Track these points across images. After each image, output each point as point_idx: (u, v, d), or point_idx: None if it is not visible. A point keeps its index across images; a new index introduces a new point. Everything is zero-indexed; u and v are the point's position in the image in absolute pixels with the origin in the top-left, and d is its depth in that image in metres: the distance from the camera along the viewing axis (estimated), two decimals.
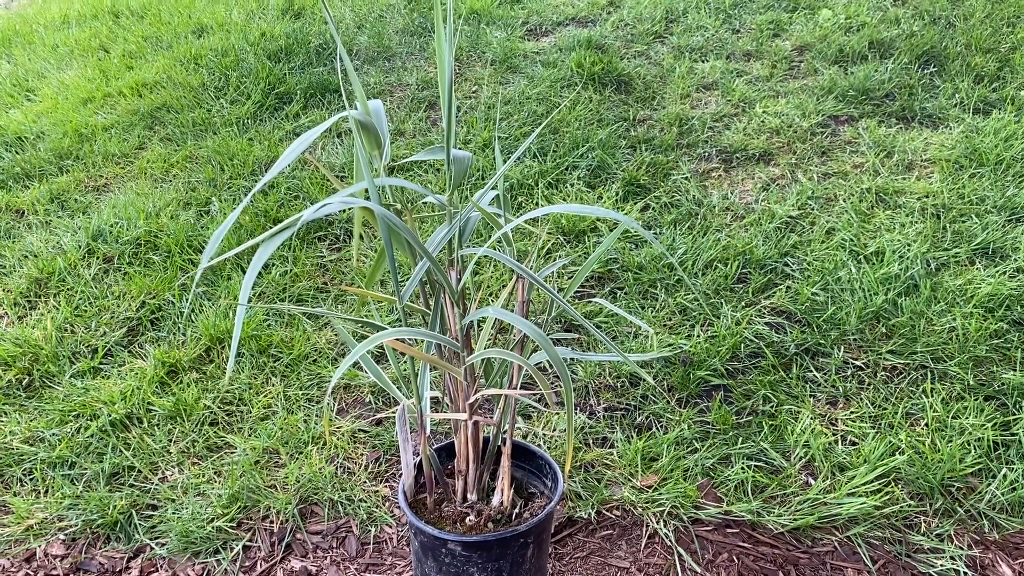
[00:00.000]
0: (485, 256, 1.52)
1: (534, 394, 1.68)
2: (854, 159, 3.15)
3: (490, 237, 2.74)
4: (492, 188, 1.48)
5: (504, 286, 2.52)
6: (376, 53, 4.04)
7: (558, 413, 2.04)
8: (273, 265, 2.57)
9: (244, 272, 2.56)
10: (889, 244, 2.65)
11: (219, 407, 2.09)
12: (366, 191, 1.33)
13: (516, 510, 1.54)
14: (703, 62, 3.84)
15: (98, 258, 2.62)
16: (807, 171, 3.09)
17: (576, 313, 1.28)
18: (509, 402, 1.47)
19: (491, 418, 1.55)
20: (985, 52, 3.80)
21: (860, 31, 4.04)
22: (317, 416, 2.06)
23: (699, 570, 1.74)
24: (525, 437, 2.00)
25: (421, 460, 1.52)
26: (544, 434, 2.01)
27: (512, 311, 1.46)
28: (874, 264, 2.57)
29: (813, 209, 2.86)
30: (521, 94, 3.56)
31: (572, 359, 2.00)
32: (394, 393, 1.49)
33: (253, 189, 1.27)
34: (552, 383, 2.08)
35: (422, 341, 1.41)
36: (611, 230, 2.77)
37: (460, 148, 3.22)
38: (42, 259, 2.63)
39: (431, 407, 1.51)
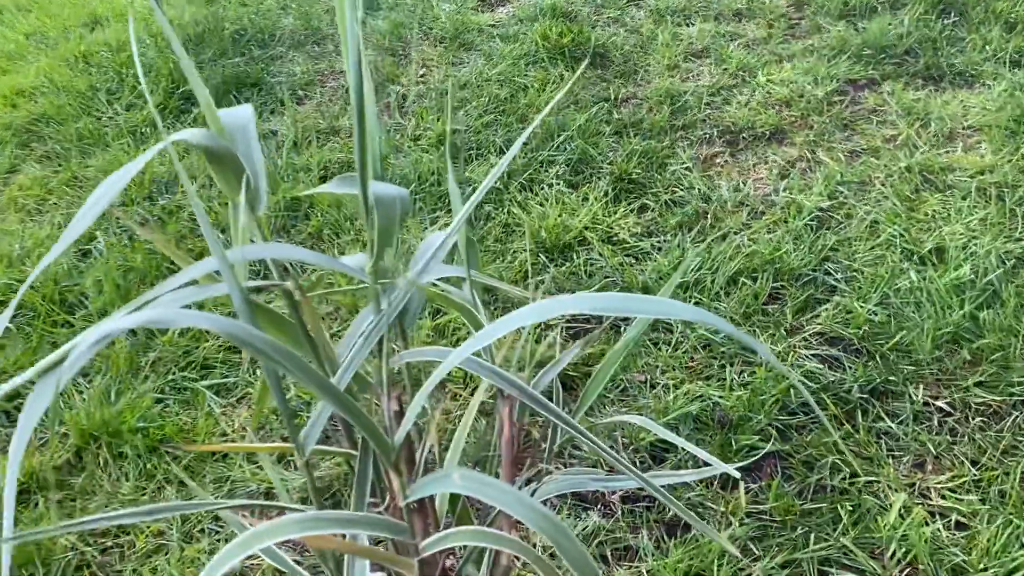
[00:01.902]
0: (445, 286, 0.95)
1: None
2: (884, 131, 2.61)
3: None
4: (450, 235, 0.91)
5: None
6: (304, 36, 3.42)
7: None
8: None
9: (134, 333, 1.97)
10: (951, 238, 2.12)
11: (88, 542, 1.50)
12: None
13: None
14: (688, 26, 3.27)
15: None
16: (830, 149, 2.54)
17: (615, 457, 0.72)
18: None
19: None
20: None
21: None
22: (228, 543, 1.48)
23: None
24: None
25: None
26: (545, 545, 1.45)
27: (489, 440, 0.90)
28: (938, 267, 2.04)
29: (847, 197, 2.32)
30: (479, 75, 2.97)
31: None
32: None
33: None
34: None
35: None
36: (601, 241, 2.21)
37: (408, 156, 2.63)
38: None
39: None
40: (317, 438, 0.82)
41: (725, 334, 1.89)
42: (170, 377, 1.85)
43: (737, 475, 0.84)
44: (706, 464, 0.90)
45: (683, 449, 1.64)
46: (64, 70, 3.16)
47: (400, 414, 0.79)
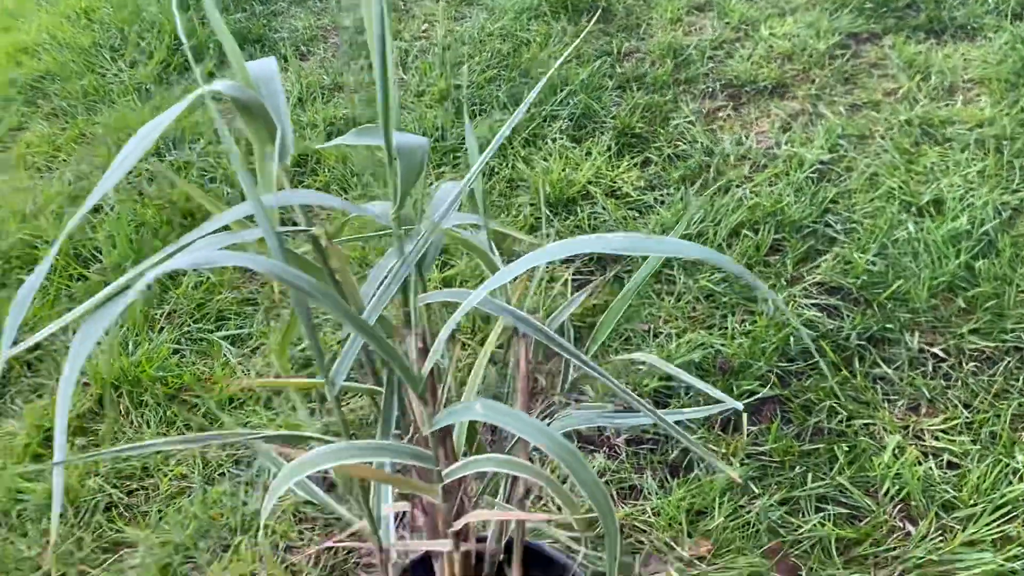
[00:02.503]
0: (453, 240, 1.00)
1: (552, 520, 1.19)
2: (884, 84, 2.63)
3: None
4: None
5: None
6: None
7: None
8: (184, 273, 2.01)
9: (148, 286, 2.01)
10: (948, 190, 2.15)
11: (114, 484, 1.56)
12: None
13: None
14: None
15: None
16: (831, 103, 2.56)
17: (628, 393, 0.77)
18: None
19: (484, 537, 1.04)
20: None
21: None
22: (248, 486, 1.54)
23: None
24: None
25: None
26: (553, 511, 1.51)
27: (507, 380, 0.94)
28: (935, 218, 2.08)
29: (847, 150, 2.35)
30: (481, 30, 2.97)
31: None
32: (338, 511, 0.97)
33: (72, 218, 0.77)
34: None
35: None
36: (604, 195, 2.25)
37: (411, 112, 2.65)
38: None
39: (397, 528, 0.99)
40: (345, 375, 0.86)
41: (727, 284, 1.94)
42: (185, 328, 1.90)
43: (740, 407, 0.88)
44: (714, 401, 0.95)
45: (685, 395, 1.70)
46: (66, 27, 3.15)
47: (424, 351, 0.84)
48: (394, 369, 0.82)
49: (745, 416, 1.65)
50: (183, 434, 1.66)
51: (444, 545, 0.93)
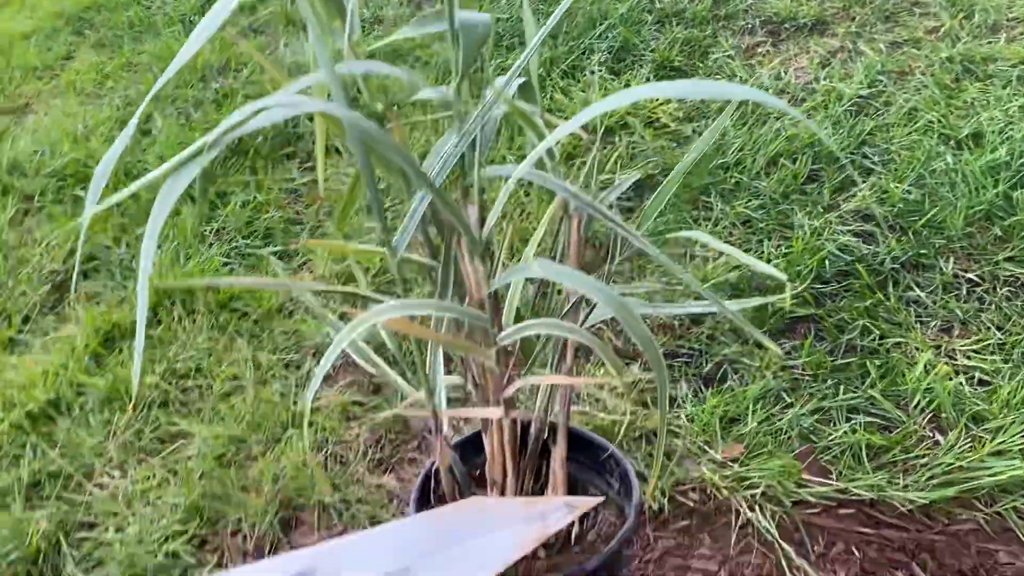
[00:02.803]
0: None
1: (598, 383, 1.24)
2: (926, 23, 2.61)
3: (508, 148, 2.24)
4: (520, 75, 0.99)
5: (523, 210, 2.04)
6: None
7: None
8: (232, 193, 2.07)
9: (192, 200, 2.07)
10: (988, 124, 2.15)
11: (170, 382, 1.64)
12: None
13: (575, 528, 1.11)
14: None
15: (15, 198, 2.12)
16: (871, 40, 2.55)
17: (673, 264, 0.81)
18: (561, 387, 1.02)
19: (531, 408, 1.10)
20: None
21: None
22: (297, 387, 1.61)
23: (809, 569, 1.33)
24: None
25: (438, 468, 1.08)
26: (591, 393, 1.56)
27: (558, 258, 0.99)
28: (974, 150, 2.08)
29: (886, 86, 2.35)
30: None
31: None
32: (395, 383, 1.03)
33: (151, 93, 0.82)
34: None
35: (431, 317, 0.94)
36: (645, 125, 2.27)
37: None
38: None
39: (448, 397, 1.05)
40: (406, 244, 0.91)
41: (764, 210, 1.96)
42: (234, 244, 1.96)
43: (783, 277, 0.92)
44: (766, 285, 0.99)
45: (718, 314, 1.74)
46: None
47: (482, 220, 0.88)
48: (454, 233, 0.87)
49: (780, 334, 1.69)
50: (234, 339, 1.73)
51: (495, 412, 0.98)
